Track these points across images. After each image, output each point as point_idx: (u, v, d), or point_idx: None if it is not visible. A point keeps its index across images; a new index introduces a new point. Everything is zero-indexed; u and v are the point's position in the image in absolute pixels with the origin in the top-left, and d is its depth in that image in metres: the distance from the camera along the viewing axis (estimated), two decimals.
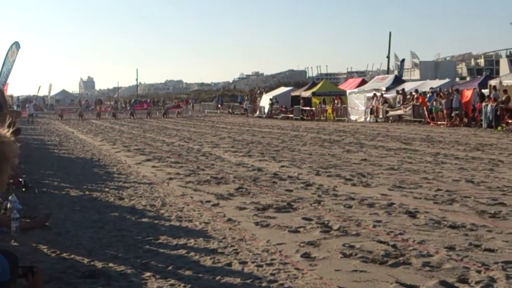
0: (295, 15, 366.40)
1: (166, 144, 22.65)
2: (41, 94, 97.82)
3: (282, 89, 55.23)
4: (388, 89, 38.52)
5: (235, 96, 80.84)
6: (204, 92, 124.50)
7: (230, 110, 60.56)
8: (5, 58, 32.90)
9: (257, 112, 52.30)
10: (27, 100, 73.97)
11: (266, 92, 59.83)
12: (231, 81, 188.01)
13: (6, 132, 2.88)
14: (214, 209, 9.14)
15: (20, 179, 11.15)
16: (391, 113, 36.27)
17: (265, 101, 51.74)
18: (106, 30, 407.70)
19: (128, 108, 73.43)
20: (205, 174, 13.43)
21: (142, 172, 14.03)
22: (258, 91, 65.44)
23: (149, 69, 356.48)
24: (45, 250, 6.85)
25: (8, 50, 33.34)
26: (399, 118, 35.27)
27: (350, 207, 9.10)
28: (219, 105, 65.82)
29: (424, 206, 9.00)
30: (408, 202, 9.32)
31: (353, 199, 9.76)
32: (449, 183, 11.35)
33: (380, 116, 37.15)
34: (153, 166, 15.21)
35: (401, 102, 35.85)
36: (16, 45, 34.10)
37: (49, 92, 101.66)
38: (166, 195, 10.55)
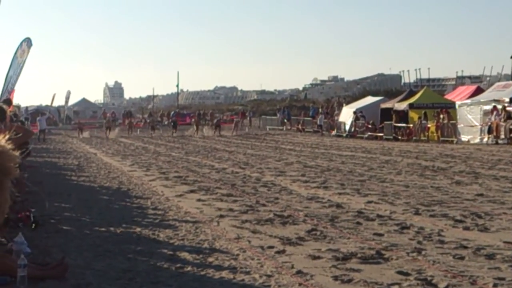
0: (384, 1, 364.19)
1: (216, 171, 22.85)
2: (55, 104, 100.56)
3: (369, 100, 55.06)
4: None
5: (305, 108, 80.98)
6: (265, 102, 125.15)
7: (299, 127, 60.73)
8: (12, 59, 33.83)
9: (335, 130, 52.18)
10: (38, 111, 75.97)
11: (348, 103, 59.71)
12: (300, 89, 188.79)
13: (1, 139, 2.97)
14: (278, 258, 9.13)
15: (29, 214, 11.38)
16: None
17: (346, 115, 51.62)
18: (138, 24, 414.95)
19: (166, 122, 74.71)
20: (266, 211, 13.45)
21: (184, 207, 14.17)
22: (337, 102, 65.38)
23: (193, 72, 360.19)
24: None
25: (17, 49, 34.32)
26: None
27: (462, 258, 8.97)
28: (285, 120, 66.08)
29: None
30: None
31: (465, 247, 9.62)
32: None
33: (502, 136, 36.59)
34: (199, 200, 15.35)
35: None
36: (28, 42, 35.10)
37: (66, 102, 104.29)
38: (215, 238, 10.60)
